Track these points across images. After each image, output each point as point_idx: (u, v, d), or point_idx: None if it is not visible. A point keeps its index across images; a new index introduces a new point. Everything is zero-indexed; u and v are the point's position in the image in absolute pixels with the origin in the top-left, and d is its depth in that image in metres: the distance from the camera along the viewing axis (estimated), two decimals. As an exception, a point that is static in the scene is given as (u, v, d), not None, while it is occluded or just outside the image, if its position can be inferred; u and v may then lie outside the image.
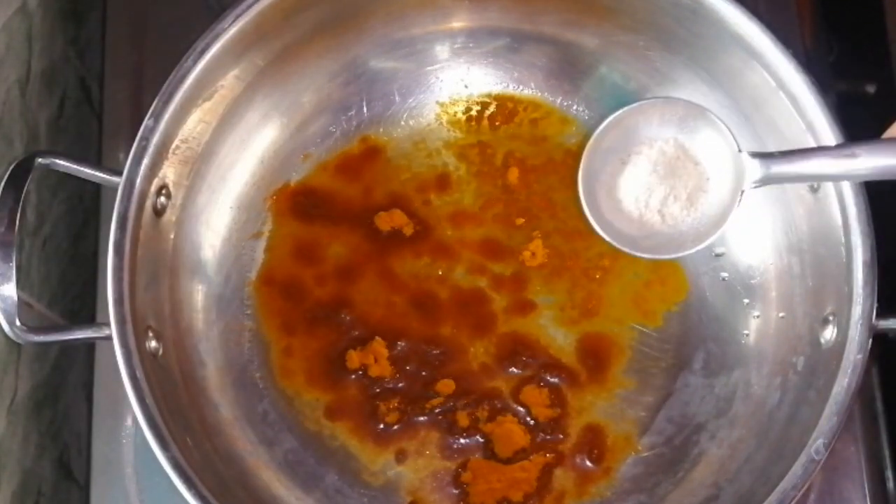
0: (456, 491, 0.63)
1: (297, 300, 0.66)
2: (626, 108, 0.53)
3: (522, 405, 0.64)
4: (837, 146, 0.51)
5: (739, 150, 0.51)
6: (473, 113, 0.70)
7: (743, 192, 0.51)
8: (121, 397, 0.60)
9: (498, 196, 0.68)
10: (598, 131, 0.54)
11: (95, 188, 0.70)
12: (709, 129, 0.52)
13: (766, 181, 0.51)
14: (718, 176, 0.52)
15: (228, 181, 0.66)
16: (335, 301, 0.66)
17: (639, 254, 0.54)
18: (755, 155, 0.51)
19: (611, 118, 0.53)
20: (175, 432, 0.55)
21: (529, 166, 0.68)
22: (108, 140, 0.70)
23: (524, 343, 0.65)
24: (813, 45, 0.71)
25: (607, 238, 0.53)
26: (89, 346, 0.68)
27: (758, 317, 0.65)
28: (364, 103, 0.69)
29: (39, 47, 0.68)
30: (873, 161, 0.49)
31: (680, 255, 0.54)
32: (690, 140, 0.53)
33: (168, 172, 0.60)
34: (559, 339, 0.66)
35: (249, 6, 0.59)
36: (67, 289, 0.72)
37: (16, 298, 0.55)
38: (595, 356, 0.65)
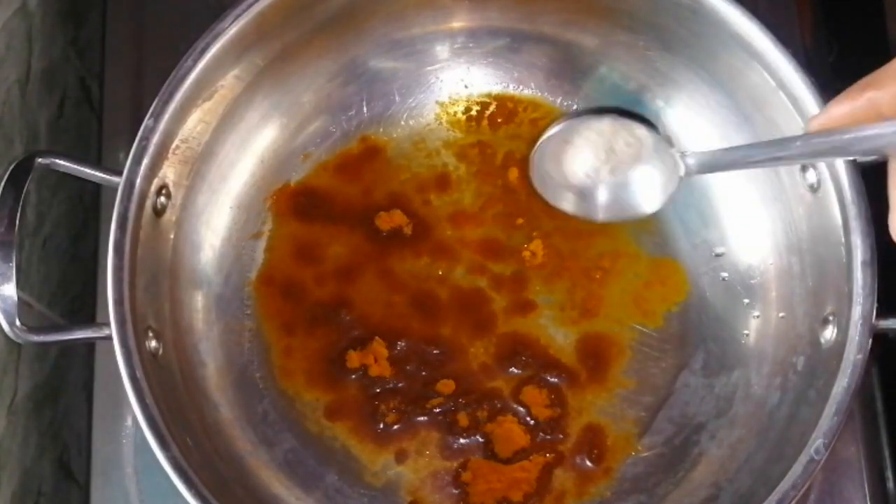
0: (456, 491, 0.63)
1: (297, 300, 0.66)
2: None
3: (522, 405, 0.64)
4: (763, 143, 0.53)
5: (672, 146, 0.56)
6: (473, 113, 0.70)
7: (681, 177, 0.56)
8: (121, 397, 0.61)
9: (498, 196, 0.68)
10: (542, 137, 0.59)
11: (95, 188, 0.70)
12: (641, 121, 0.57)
13: (696, 172, 0.55)
14: (655, 144, 0.57)
15: (228, 181, 0.66)
16: (335, 301, 0.66)
17: (593, 216, 0.59)
18: (685, 154, 0.55)
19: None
20: (175, 432, 0.55)
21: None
22: (108, 140, 0.70)
23: (524, 343, 0.65)
24: (813, 45, 0.71)
25: (560, 206, 0.59)
26: (89, 346, 0.68)
27: (758, 317, 0.65)
28: (364, 103, 0.69)
29: (39, 47, 0.68)
30: (800, 149, 0.50)
31: (634, 215, 0.59)
32: (627, 124, 0.57)
33: (168, 172, 0.60)
34: (559, 339, 0.66)
35: (249, 6, 0.59)
36: (67, 289, 0.72)
37: (16, 298, 0.55)
38: (595, 356, 0.65)
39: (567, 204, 0.60)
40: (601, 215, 0.59)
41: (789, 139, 0.50)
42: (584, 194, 0.59)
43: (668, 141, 0.56)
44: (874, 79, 0.44)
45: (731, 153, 0.54)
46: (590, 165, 0.58)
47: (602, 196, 0.59)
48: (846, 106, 0.44)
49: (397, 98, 0.69)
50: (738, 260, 0.66)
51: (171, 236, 0.62)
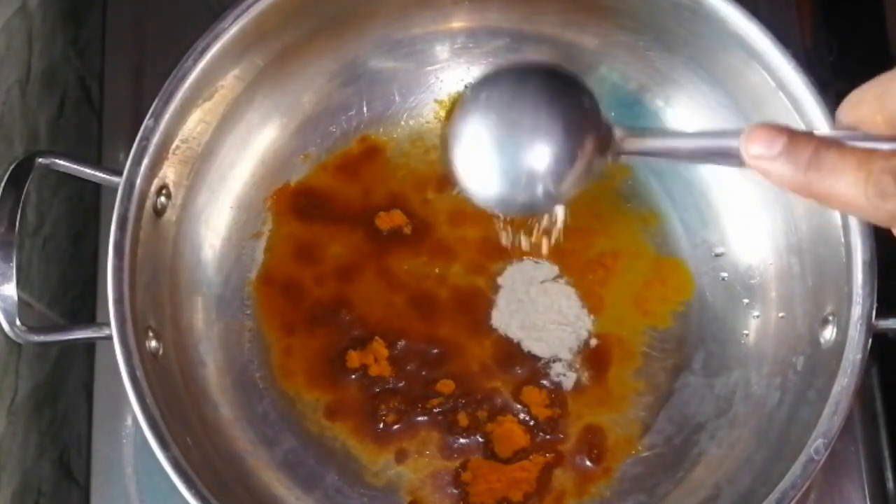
0: (456, 491, 0.63)
1: (297, 300, 0.66)
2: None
3: (522, 405, 0.64)
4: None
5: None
6: (473, 113, 0.69)
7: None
8: (121, 397, 0.61)
9: (498, 195, 0.68)
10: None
11: (95, 188, 0.70)
12: None
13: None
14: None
15: (228, 181, 0.66)
16: (335, 301, 0.66)
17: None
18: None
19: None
20: (175, 432, 0.55)
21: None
22: (108, 140, 0.70)
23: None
24: (813, 45, 0.71)
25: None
26: (89, 346, 0.68)
27: (757, 317, 0.65)
28: (364, 103, 0.69)
29: (39, 47, 0.68)
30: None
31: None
32: None
33: (168, 172, 0.60)
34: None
35: (249, 6, 0.59)
36: (68, 289, 0.72)
37: (16, 298, 0.55)
38: (596, 356, 0.65)
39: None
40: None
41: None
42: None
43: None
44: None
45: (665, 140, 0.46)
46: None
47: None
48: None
49: (397, 98, 0.69)
50: (737, 260, 0.66)
51: (172, 236, 0.62)
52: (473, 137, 0.44)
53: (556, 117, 0.44)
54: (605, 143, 0.44)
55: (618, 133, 0.44)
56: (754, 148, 0.40)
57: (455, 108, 0.45)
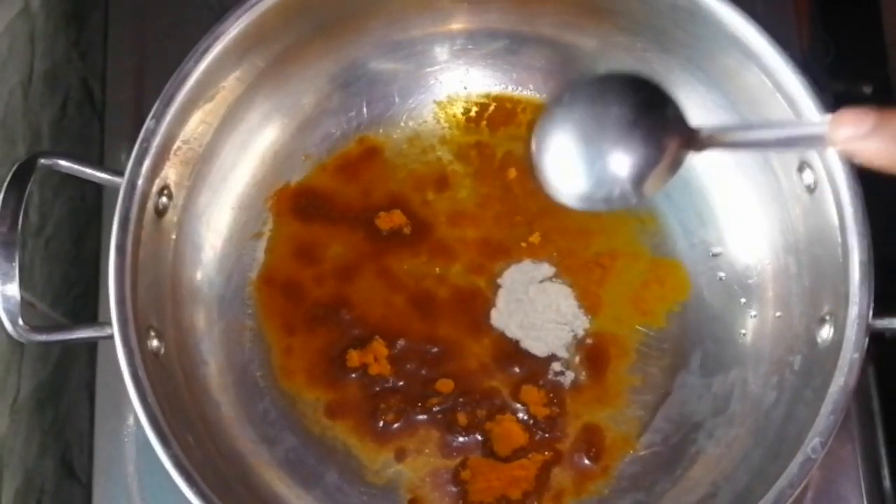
0: (455, 489, 0.63)
1: (298, 300, 0.66)
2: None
3: (521, 404, 0.64)
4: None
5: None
6: (472, 114, 0.70)
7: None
8: (123, 396, 0.61)
9: (497, 196, 0.68)
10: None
11: (97, 189, 0.70)
12: None
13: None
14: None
15: (229, 182, 0.66)
16: (335, 301, 0.66)
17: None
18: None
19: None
20: (176, 431, 0.55)
21: (528, 166, 0.68)
22: (110, 141, 0.70)
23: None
24: (810, 46, 0.71)
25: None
26: (91, 346, 0.69)
27: (755, 316, 0.65)
28: (364, 104, 0.69)
29: (42, 49, 0.68)
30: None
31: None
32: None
33: (169, 173, 0.60)
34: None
35: (250, 7, 0.60)
36: (70, 289, 0.73)
37: (19, 298, 0.55)
38: (594, 356, 0.66)
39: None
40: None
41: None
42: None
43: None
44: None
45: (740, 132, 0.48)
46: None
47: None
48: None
49: (397, 99, 0.70)
50: (735, 260, 0.66)
51: (173, 237, 0.62)
52: (559, 137, 0.46)
53: (638, 119, 0.45)
54: (686, 141, 0.46)
55: (702, 130, 0.46)
56: (844, 130, 0.41)
57: (542, 112, 0.47)
